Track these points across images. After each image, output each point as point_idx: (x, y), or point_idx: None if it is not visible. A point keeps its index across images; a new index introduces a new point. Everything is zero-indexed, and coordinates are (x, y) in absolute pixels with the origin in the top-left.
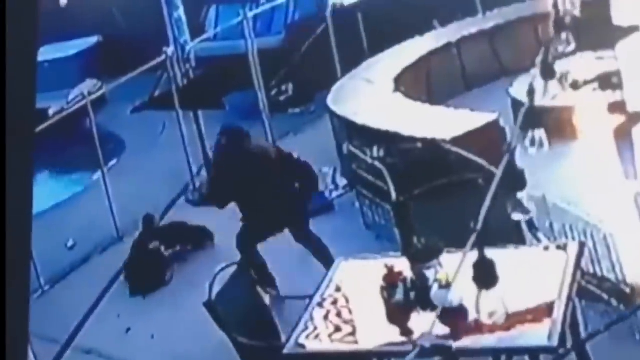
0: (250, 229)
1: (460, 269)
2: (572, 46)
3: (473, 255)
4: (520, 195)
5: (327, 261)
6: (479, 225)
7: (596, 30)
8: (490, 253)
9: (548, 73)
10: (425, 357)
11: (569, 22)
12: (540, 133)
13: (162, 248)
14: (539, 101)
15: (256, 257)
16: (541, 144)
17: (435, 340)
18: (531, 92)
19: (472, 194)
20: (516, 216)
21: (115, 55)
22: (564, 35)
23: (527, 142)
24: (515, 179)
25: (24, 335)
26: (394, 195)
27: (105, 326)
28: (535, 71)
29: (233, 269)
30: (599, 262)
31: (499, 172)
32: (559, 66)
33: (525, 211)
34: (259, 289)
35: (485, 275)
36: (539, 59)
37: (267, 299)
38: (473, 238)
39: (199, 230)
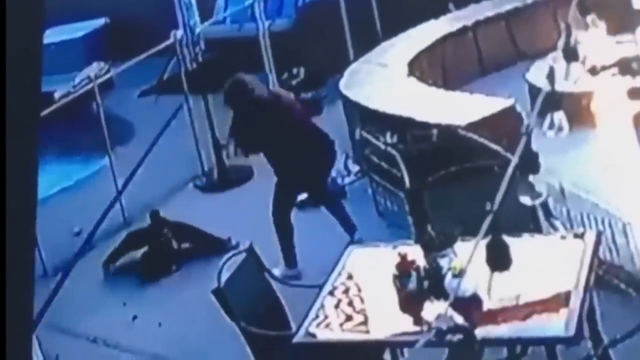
0: (281, 186)
1: (474, 255)
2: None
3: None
4: (532, 178)
5: (351, 228)
6: (495, 207)
7: (615, 13)
8: (506, 241)
9: (570, 55)
10: (440, 341)
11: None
12: (560, 116)
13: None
14: (560, 85)
15: (289, 226)
16: (560, 128)
17: (452, 322)
18: (551, 74)
19: (487, 181)
20: (524, 200)
21: (123, 37)
22: (589, 18)
23: (546, 125)
24: (528, 162)
25: (29, 323)
26: (407, 182)
27: (110, 314)
28: (555, 54)
29: (242, 256)
30: (617, 251)
31: (516, 155)
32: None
33: (536, 195)
34: (269, 277)
35: (499, 257)
36: (560, 42)
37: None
38: (488, 220)
39: (209, 237)
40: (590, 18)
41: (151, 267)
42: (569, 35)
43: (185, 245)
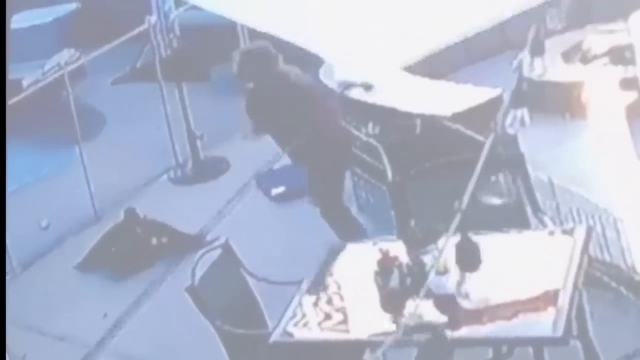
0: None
1: (444, 252)
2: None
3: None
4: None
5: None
6: (464, 206)
7: (608, 1)
8: (492, 238)
9: (536, 49)
10: (408, 339)
11: None
12: (523, 112)
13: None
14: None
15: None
16: (523, 123)
17: (420, 319)
18: (519, 68)
19: (473, 174)
20: (489, 200)
21: (94, 23)
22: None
23: (508, 121)
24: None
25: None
26: (389, 174)
27: (80, 311)
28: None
29: (217, 252)
30: (607, 248)
31: (484, 152)
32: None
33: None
34: (245, 274)
35: (468, 257)
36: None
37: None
38: (457, 218)
39: (183, 235)
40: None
41: (123, 264)
42: (538, 28)
43: (159, 241)
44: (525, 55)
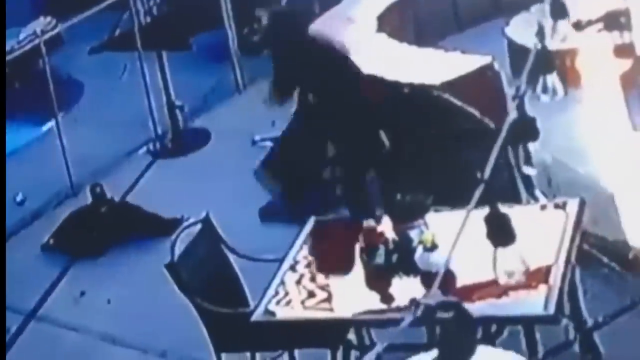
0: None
1: (462, 229)
2: None
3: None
4: (533, 145)
5: None
6: (486, 175)
7: None
8: (480, 213)
9: (558, 12)
10: (428, 319)
11: None
12: (553, 78)
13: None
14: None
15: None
16: (555, 91)
17: (442, 297)
18: (541, 32)
19: (463, 147)
20: (527, 170)
21: None
22: None
23: (539, 88)
24: (526, 129)
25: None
26: (387, 143)
27: (55, 290)
28: (539, 7)
29: (197, 227)
30: (600, 223)
31: (508, 120)
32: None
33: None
34: (226, 250)
35: (501, 231)
36: None
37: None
38: (480, 190)
39: (156, 219)
40: None
41: (82, 247)
42: None
43: (127, 224)
44: (545, 19)
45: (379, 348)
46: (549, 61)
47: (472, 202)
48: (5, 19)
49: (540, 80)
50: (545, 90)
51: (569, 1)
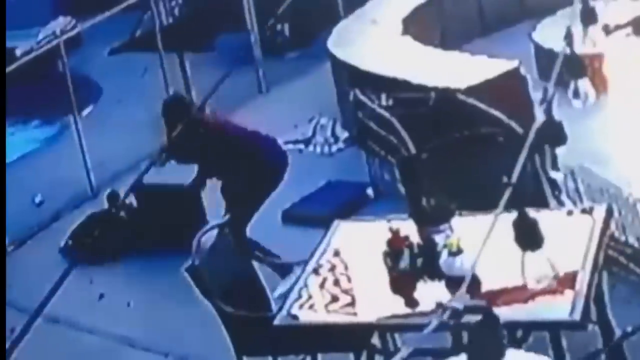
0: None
1: (489, 233)
2: None
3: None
4: (560, 151)
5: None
6: (514, 180)
7: None
8: (509, 217)
9: (589, 17)
10: (455, 323)
11: None
12: (585, 83)
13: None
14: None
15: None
16: (586, 96)
17: (470, 301)
18: (569, 37)
19: (488, 151)
20: (555, 175)
21: None
22: None
23: (570, 92)
24: (554, 133)
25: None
26: (410, 147)
27: (75, 292)
28: (565, 11)
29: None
30: (626, 229)
31: (535, 125)
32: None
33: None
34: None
35: (529, 235)
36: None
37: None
38: (507, 194)
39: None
40: None
41: (100, 250)
42: None
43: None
44: (574, 25)
45: (403, 353)
46: (580, 66)
47: (499, 207)
48: (5, 19)
49: (572, 85)
50: (576, 95)
51: (599, 6)
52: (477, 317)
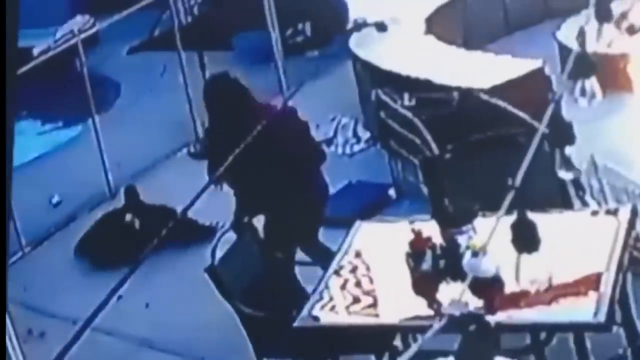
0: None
1: (494, 232)
2: None
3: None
4: (569, 151)
5: None
6: (518, 182)
7: None
8: (532, 218)
9: (603, 14)
10: (453, 329)
11: None
12: (592, 82)
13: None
14: (592, 47)
15: None
16: (593, 95)
17: (466, 309)
18: (582, 35)
19: (512, 152)
20: (563, 174)
21: None
22: None
23: (577, 91)
24: (562, 132)
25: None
26: (433, 147)
27: (92, 293)
28: (588, 12)
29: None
30: None
31: (543, 124)
32: (616, 7)
33: (575, 170)
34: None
35: (526, 237)
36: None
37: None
38: (511, 196)
39: (189, 224)
40: None
41: (113, 252)
42: None
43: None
44: (589, 21)
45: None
46: (589, 65)
47: (501, 210)
48: (5, 19)
49: (579, 83)
50: (583, 93)
51: (623, 6)
52: (472, 325)
